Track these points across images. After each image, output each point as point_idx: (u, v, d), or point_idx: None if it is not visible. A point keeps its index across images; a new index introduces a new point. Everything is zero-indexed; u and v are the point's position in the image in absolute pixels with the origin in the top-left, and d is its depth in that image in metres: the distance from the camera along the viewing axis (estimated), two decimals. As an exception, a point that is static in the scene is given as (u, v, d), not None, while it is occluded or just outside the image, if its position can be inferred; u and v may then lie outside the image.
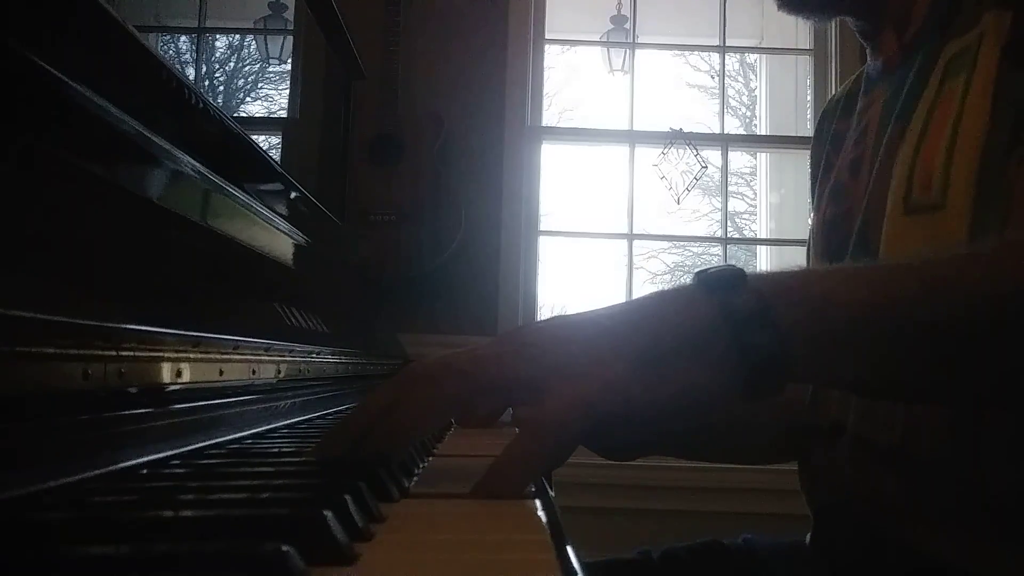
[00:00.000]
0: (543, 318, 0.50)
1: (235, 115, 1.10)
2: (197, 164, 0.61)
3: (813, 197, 0.85)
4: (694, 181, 2.56)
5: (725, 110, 2.81)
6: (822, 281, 0.46)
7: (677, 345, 0.42)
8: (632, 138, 2.58)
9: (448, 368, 0.45)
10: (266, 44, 1.29)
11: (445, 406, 0.45)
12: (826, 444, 0.70)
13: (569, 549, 0.29)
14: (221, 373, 0.55)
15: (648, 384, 0.41)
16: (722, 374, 0.42)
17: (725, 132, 2.78)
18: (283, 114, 1.31)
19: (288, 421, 0.67)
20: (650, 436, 0.48)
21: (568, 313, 0.47)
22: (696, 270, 0.46)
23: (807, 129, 2.64)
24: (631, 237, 2.57)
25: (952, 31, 0.63)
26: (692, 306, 0.43)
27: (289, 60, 1.34)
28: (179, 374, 0.48)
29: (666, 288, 0.46)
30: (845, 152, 0.76)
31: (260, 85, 1.24)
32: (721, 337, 0.42)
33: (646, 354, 0.42)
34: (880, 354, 0.44)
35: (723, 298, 0.43)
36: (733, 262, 3.62)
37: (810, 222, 0.85)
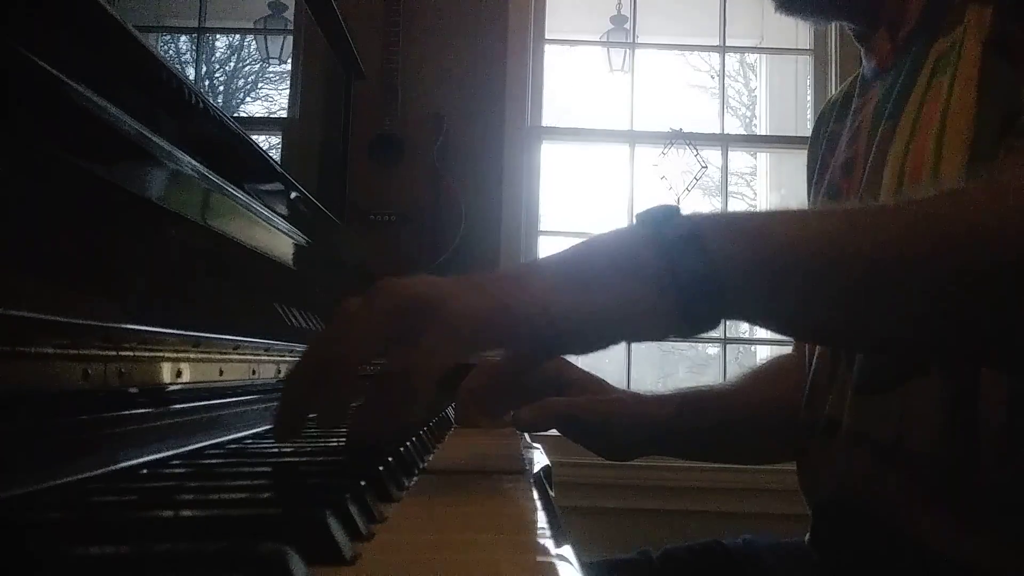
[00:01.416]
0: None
1: (235, 115, 1.10)
2: (197, 164, 0.61)
3: (809, 198, 0.86)
4: (694, 181, 2.55)
5: (725, 110, 2.81)
6: (759, 218, 0.46)
7: (608, 270, 0.42)
8: (632, 138, 2.58)
9: (381, 289, 0.42)
10: (266, 44, 1.29)
11: (384, 320, 0.41)
12: (822, 441, 0.70)
13: (569, 549, 0.29)
14: (221, 373, 0.55)
15: (573, 295, 0.42)
16: (653, 294, 0.42)
17: (725, 132, 2.78)
18: (283, 114, 1.31)
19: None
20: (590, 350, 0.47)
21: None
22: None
23: (807, 129, 2.63)
24: (631, 237, 2.57)
25: (940, 29, 0.64)
26: (627, 237, 0.44)
27: (289, 60, 1.34)
28: (179, 374, 0.48)
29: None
30: (839, 153, 0.77)
31: (260, 85, 1.24)
32: (652, 259, 0.42)
33: (575, 276, 0.42)
34: (810, 290, 0.44)
35: (656, 227, 0.43)
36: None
37: None
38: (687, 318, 0.42)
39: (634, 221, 0.45)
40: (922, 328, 0.46)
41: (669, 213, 0.44)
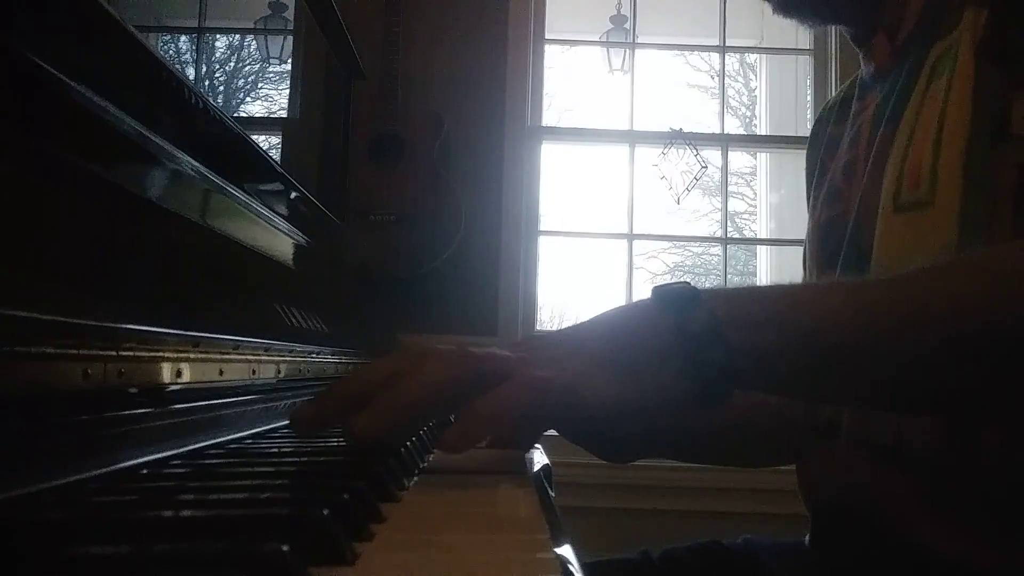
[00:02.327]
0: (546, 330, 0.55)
1: (235, 115, 1.10)
2: (197, 164, 0.61)
3: (808, 201, 0.86)
4: (694, 181, 2.55)
5: (725, 110, 2.81)
6: (769, 303, 0.50)
7: (639, 356, 0.47)
8: (632, 138, 2.58)
9: (446, 350, 0.47)
10: (266, 44, 1.29)
11: (442, 385, 0.46)
12: (822, 444, 0.70)
13: (569, 549, 0.30)
14: (221, 373, 0.55)
15: (609, 381, 0.46)
16: (678, 383, 0.46)
17: (725, 132, 2.78)
18: (283, 114, 1.31)
19: (288, 421, 0.67)
20: (620, 431, 0.52)
21: (565, 327, 0.52)
22: (653, 286, 0.50)
23: (807, 129, 2.62)
24: (631, 237, 2.57)
25: (938, 33, 0.63)
26: (652, 322, 0.48)
27: (289, 60, 1.33)
28: (179, 374, 0.48)
29: (629, 304, 0.51)
30: (839, 156, 0.77)
31: (260, 85, 1.24)
32: (677, 352, 0.46)
33: (614, 358, 0.47)
34: (815, 370, 0.49)
35: (679, 317, 0.47)
36: (733, 262, 3.62)
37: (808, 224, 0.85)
38: (704, 399, 0.47)
39: (651, 295, 0.49)
40: (928, 395, 0.51)
41: (688, 299, 0.47)
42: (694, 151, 2.53)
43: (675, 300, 0.48)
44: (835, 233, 0.73)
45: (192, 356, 0.50)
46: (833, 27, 2.40)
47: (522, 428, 0.50)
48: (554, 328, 3.90)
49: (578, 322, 0.51)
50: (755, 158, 3.10)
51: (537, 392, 0.45)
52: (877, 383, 0.49)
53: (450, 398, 0.46)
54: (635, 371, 0.46)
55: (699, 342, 0.46)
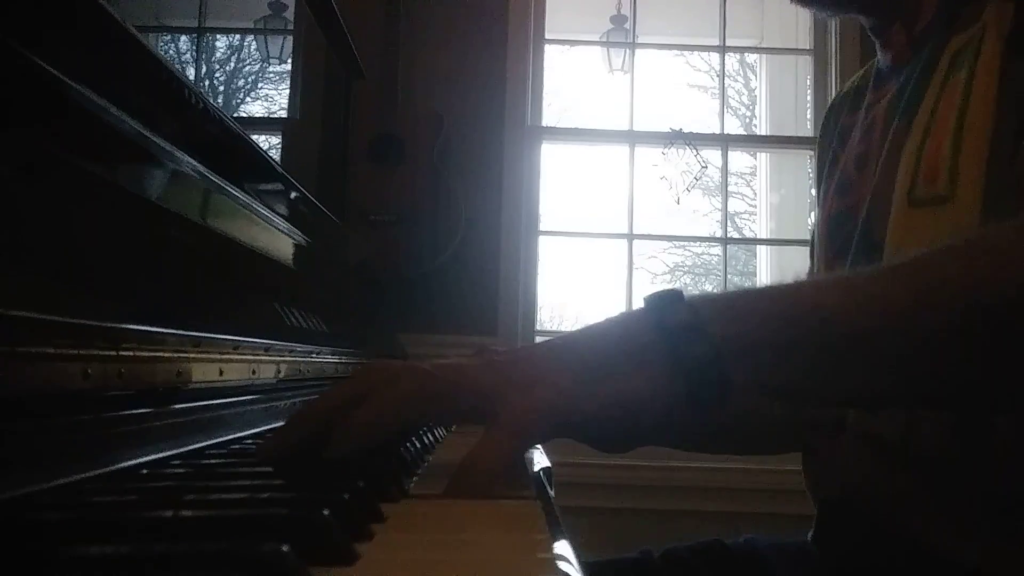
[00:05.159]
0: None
1: (235, 115, 1.10)
2: (197, 164, 0.61)
3: (819, 191, 0.85)
4: (694, 181, 2.55)
5: (725, 110, 2.81)
6: (755, 297, 0.48)
7: (619, 358, 0.44)
8: (632, 138, 2.58)
9: (410, 371, 0.45)
10: (266, 44, 1.29)
11: (404, 408, 0.45)
12: (829, 438, 0.70)
13: (569, 549, 0.29)
14: (221, 373, 0.55)
15: (594, 392, 0.44)
16: (662, 383, 0.44)
17: (725, 132, 2.77)
18: (283, 114, 1.31)
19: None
20: (616, 443, 0.50)
21: (551, 340, 0.50)
22: (644, 295, 0.48)
23: (807, 129, 2.63)
24: (631, 237, 2.57)
25: (957, 26, 0.63)
26: (634, 324, 0.46)
27: (289, 60, 1.34)
28: (179, 374, 0.48)
29: (618, 313, 0.49)
30: (851, 147, 0.76)
31: (260, 85, 1.24)
32: (658, 349, 0.44)
33: (592, 366, 0.44)
34: (811, 365, 0.46)
35: (660, 314, 0.45)
36: (733, 262, 3.62)
37: (811, 219, 0.84)
38: (691, 400, 0.44)
39: (643, 304, 0.47)
40: (929, 386, 0.48)
41: (672, 298, 0.46)
42: (694, 151, 2.53)
43: (657, 301, 0.46)
44: (845, 225, 0.72)
45: (192, 356, 0.50)
46: (835, 24, 2.40)
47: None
48: (553, 328, 3.90)
49: (564, 336, 0.49)
50: (755, 158, 3.10)
51: (522, 436, 0.43)
52: (883, 375, 0.46)
53: (404, 422, 0.45)
54: (612, 375, 0.44)
55: (678, 335, 0.44)
